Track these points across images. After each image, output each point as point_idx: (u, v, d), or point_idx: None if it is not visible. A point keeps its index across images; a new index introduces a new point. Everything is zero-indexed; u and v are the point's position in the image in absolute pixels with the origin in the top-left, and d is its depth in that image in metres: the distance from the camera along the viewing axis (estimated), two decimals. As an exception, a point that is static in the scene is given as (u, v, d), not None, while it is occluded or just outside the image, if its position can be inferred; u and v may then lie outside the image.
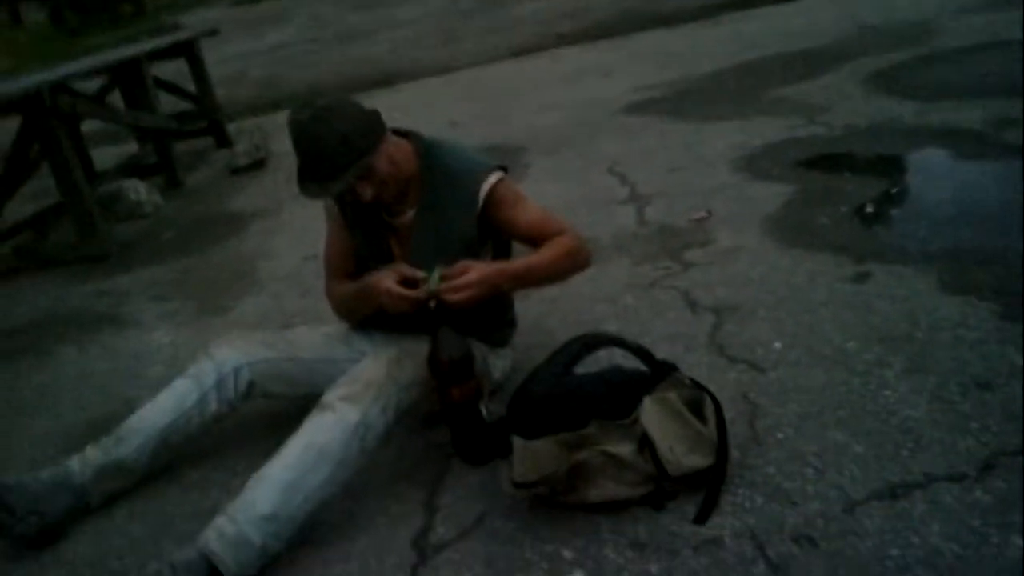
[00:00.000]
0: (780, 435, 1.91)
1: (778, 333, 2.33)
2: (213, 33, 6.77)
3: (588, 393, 1.72)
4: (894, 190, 3.22)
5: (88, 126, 5.91)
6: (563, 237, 2.07)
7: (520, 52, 8.60)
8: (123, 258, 4.28)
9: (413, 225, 2.13)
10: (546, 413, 1.67)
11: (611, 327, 2.57)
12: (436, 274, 1.90)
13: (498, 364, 2.27)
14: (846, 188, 3.31)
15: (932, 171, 3.45)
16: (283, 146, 6.15)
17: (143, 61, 5.53)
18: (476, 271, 1.91)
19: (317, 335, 2.34)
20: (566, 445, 1.66)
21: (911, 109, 4.12)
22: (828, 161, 3.66)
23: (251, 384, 2.22)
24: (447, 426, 2.04)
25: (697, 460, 1.69)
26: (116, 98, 5.96)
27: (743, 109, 4.73)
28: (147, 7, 17.67)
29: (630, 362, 1.94)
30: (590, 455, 1.67)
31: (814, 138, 4.01)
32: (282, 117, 6.84)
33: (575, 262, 2.10)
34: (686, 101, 5.23)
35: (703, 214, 3.30)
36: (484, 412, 1.97)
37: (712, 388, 1.91)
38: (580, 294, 2.83)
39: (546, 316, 2.72)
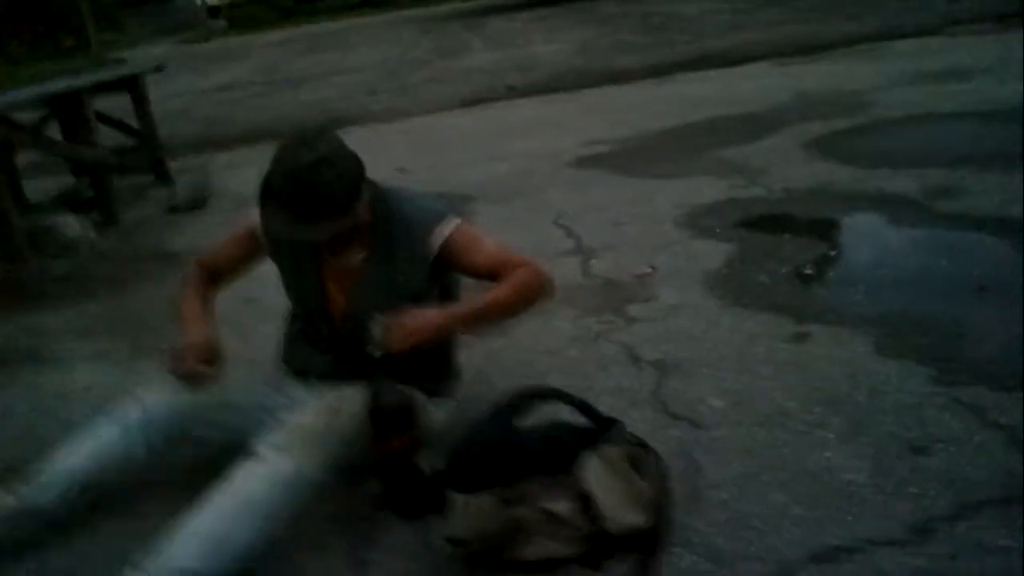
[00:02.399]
0: (722, 495, 1.90)
1: (720, 391, 2.34)
2: (159, 69, 6.68)
3: (528, 447, 1.69)
4: (832, 252, 3.30)
5: (24, 157, 5.76)
6: (521, 270, 2.03)
7: (471, 102, 8.69)
8: (52, 295, 4.13)
9: (360, 271, 2.09)
10: (484, 467, 1.63)
11: (555, 380, 2.53)
12: (378, 326, 1.86)
13: (437, 415, 2.22)
14: (785, 249, 3.38)
15: (868, 236, 3.55)
16: (225, 186, 6.11)
17: (84, 93, 5.41)
18: (422, 317, 1.90)
19: (252, 380, 2.27)
20: (504, 501, 1.62)
21: (848, 175, 4.24)
22: (768, 221, 3.74)
23: (179, 429, 2.13)
24: (379, 478, 1.98)
25: (636, 518, 1.66)
26: (55, 130, 5.81)
27: (688, 168, 4.83)
28: (92, 41, 17.44)
29: (575, 417, 1.91)
30: (527, 512, 1.63)
31: (754, 199, 4.10)
32: (226, 157, 6.76)
33: (534, 293, 2.05)
34: (634, 158, 5.32)
35: (647, 270, 3.32)
36: (421, 465, 1.92)
37: (654, 445, 1.90)
38: (523, 345, 2.81)
39: (488, 367, 2.68)
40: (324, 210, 1.87)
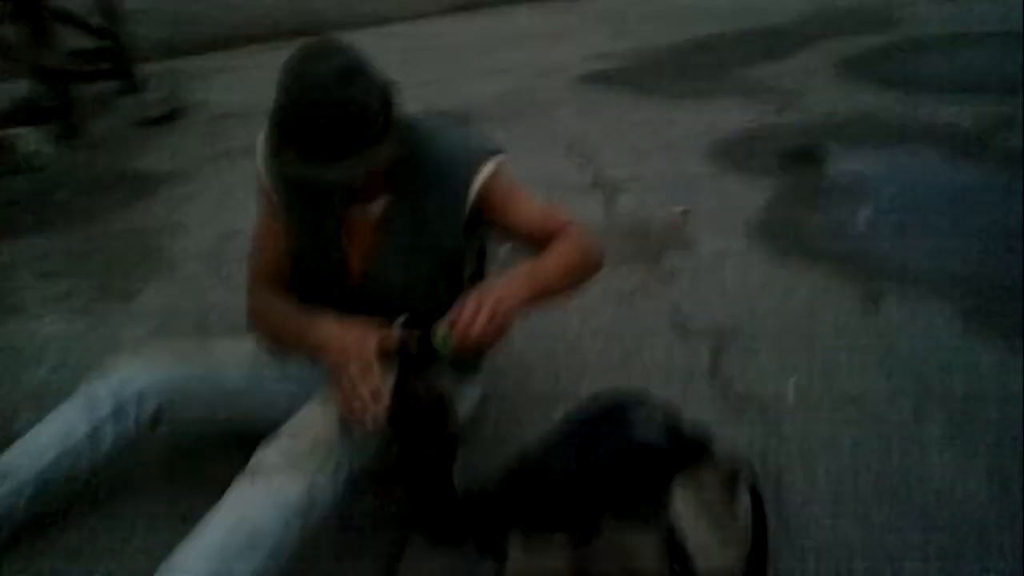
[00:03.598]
0: (813, 510, 1.59)
1: (789, 369, 2.02)
2: (122, -37, 6.04)
3: (605, 475, 1.36)
4: (891, 193, 2.93)
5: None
6: (571, 233, 1.65)
7: (462, 7, 8.09)
8: (8, 221, 3.69)
9: (382, 221, 1.68)
10: (551, 500, 1.30)
11: (592, 349, 2.22)
12: (441, 333, 1.45)
13: (467, 397, 1.88)
14: (835, 188, 3.02)
15: (930, 175, 3.17)
16: (198, 97, 5.60)
17: (41, -11, 4.84)
18: (494, 294, 1.45)
19: (243, 350, 1.87)
20: (573, 539, 1.30)
21: (891, 101, 3.87)
22: (810, 155, 3.36)
23: (158, 411, 1.76)
24: (406, 490, 1.65)
25: (731, 558, 1.35)
26: (11, 29, 5.23)
27: (710, 88, 4.42)
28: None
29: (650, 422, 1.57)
30: (603, 552, 1.31)
31: (791, 127, 3.72)
32: (199, 63, 6.20)
33: (590, 262, 1.68)
34: (647, 75, 4.89)
35: (681, 211, 2.96)
36: (456, 475, 1.58)
37: (721, 439, 1.56)
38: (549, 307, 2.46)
39: (511, 335, 2.33)
40: (358, 136, 1.43)
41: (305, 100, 1.42)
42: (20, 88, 5.42)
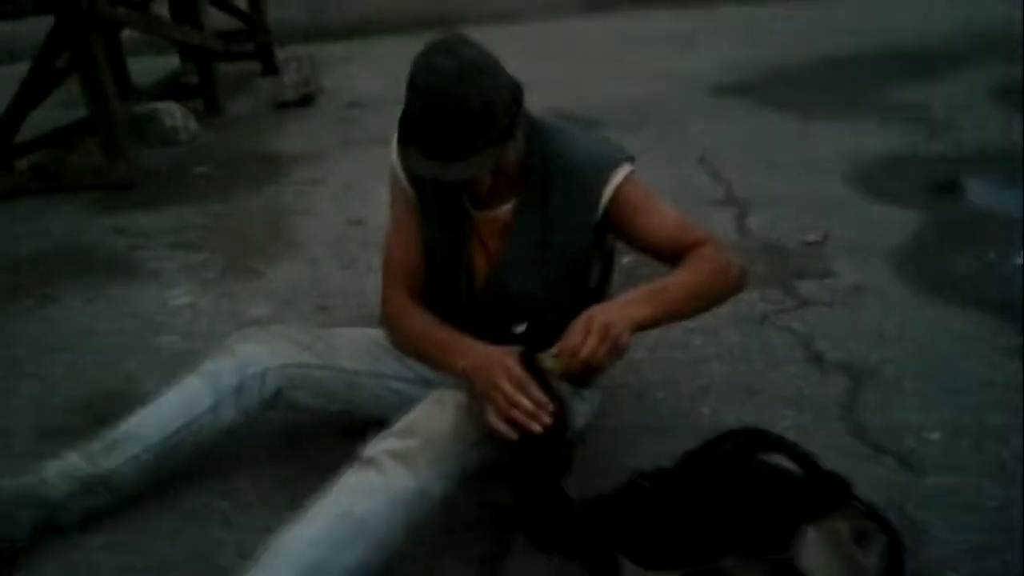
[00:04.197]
0: (950, 574, 1.47)
1: (932, 418, 1.88)
2: (273, -53, 6.24)
3: (732, 515, 1.28)
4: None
5: (131, 32, 5.46)
6: (706, 249, 1.56)
7: (592, 7, 8.02)
8: (149, 191, 3.85)
9: (510, 223, 1.65)
10: (673, 538, 1.24)
11: (716, 371, 2.13)
12: (552, 354, 1.42)
13: (582, 409, 1.83)
14: (989, 227, 2.82)
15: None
16: (333, 83, 5.72)
17: (195, -30, 5.05)
18: (604, 317, 1.39)
19: (363, 340, 1.89)
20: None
21: (1053, 135, 3.59)
22: (960, 189, 3.16)
23: (278, 392, 1.79)
24: (516, 489, 1.61)
25: (862, 615, 1.25)
26: (163, 6, 5.48)
27: (851, 108, 4.22)
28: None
29: (777, 459, 1.49)
30: (724, 596, 1.24)
31: (941, 157, 3.51)
32: (334, 49, 6.37)
33: (727, 282, 1.57)
34: (783, 88, 4.72)
35: (818, 237, 2.82)
36: (567, 488, 1.54)
37: (853, 485, 1.46)
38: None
39: (632, 348, 2.24)
40: (480, 134, 1.40)
41: (427, 96, 1.40)
42: (168, 64, 5.67)
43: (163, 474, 1.77)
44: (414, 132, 1.46)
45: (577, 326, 1.38)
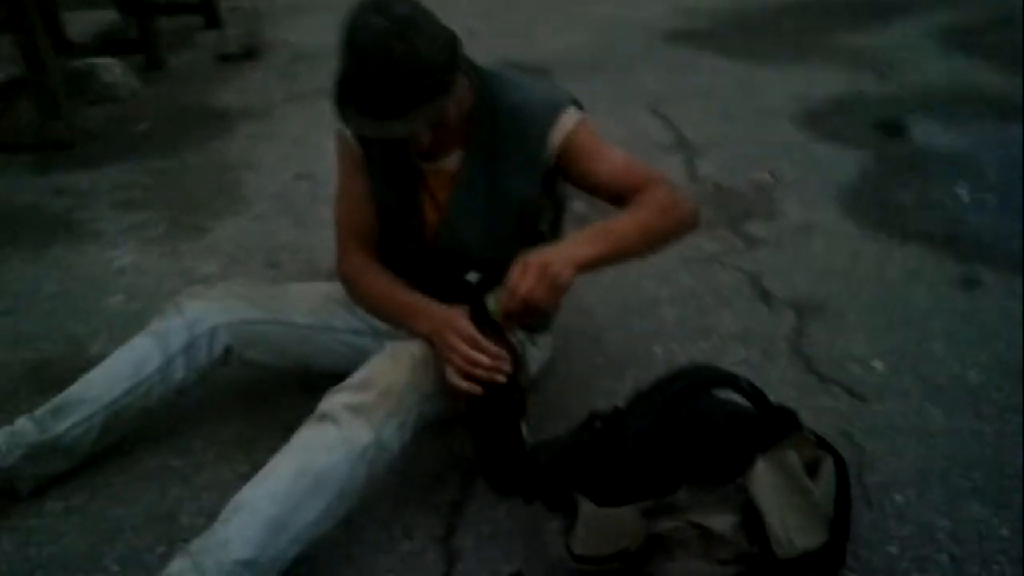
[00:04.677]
0: (899, 497, 1.52)
1: (877, 348, 1.92)
2: None
3: (681, 445, 1.30)
4: (991, 174, 2.77)
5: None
6: (655, 188, 1.54)
7: (542, -43, 7.90)
8: (89, 149, 3.74)
9: (458, 173, 1.63)
10: (627, 476, 1.25)
11: (668, 313, 2.15)
12: (492, 299, 1.42)
13: (536, 355, 1.84)
14: (931, 163, 2.87)
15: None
16: (277, 35, 5.58)
17: (130, -81, 4.85)
18: (551, 263, 1.37)
19: (314, 294, 1.88)
20: (647, 513, 1.25)
21: (997, 79, 3.65)
22: (907, 127, 3.19)
23: (228, 349, 1.77)
24: (473, 437, 1.62)
25: (810, 540, 1.28)
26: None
27: (802, 53, 4.23)
28: None
29: (725, 394, 1.51)
30: (675, 526, 1.26)
31: (887, 97, 3.54)
32: (282, 1, 6.17)
33: (677, 221, 1.54)
34: (735, 35, 4.71)
35: (767, 177, 2.84)
36: (525, 430, 1.55)
37: (801, 415, 1.49)
38: (625, 265, 2.39)
39: (584, 290, 2.27)
40: (416, 91, 1.39)
41: (359, 55, 1.38)
42: (105, 18, 5.47)
43: (116, 436, 1.75)
44: (349, 92, 1.43)
45: (516, 266, 1.37)
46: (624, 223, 1.50)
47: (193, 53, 5.36)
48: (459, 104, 1.53)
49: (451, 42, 1.45)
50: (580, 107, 1.62)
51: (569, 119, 1.59)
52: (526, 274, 1.35)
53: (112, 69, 4.51)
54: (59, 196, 3.26)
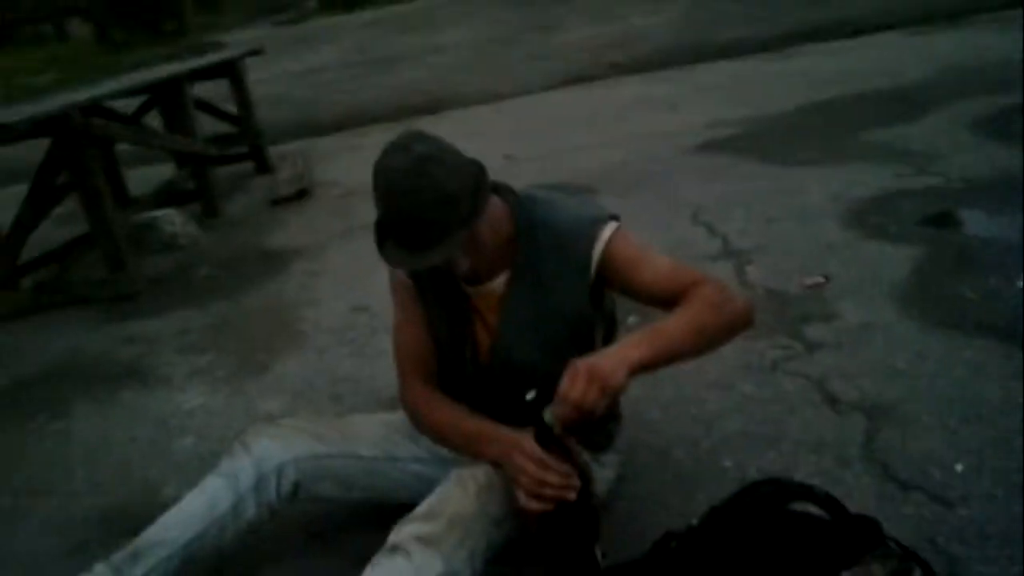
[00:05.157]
0: (997, 608, 1.45)
1: (955, 449, 1.87)
2: (257, 53, 6.44)
3: (761, 564, 1.27)
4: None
5: (124, 145, 5.58)
6: (704, 287, 1.55)
7: (571, 81, 8.22)
8: (153, 298, 3.90)
9: (504, 296, 1.68)
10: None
11: (733, 424, 2.12)
12: (548, 413, 1.43)
13: (603, 475, 1.82)
14: (986, 253, 2.84)
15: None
16: (326, 175, 5.83)
17: (184, 81, 5.19)
18: (602, 368, 1.38)
19: (375, 426, 1.91)
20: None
21: (1035, 161, 3.64)
22: (953, 220, 3.19)
23: (297, 485, 1.80)
24: (546, 563, 1.59)
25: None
26: (154, 117, 5.62)
27: (836, 153, 4.28)
28: (189, 25, 17.57)
29: (801, 505, 1.48)
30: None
31: (930, 190, 3.54)
32: (325, 143, 6.53)
33: (729, 317, 1.53)
34: (768, 141, 4.79)
35: (819, 279, 2.84)
36: (599, 554, 1.52)
37: (883, 524, 1.44)
38: (684, 375, 2.38)
39: (646, 404, 2.27)
40: (433, 225, 1.47)
41: (386, 195, 1.48)
42: (163, 173, 5.79)
43: (189, 578, 1.75)
44: (385, 229, 1.55)
45: (566, 374, 1.39)
46: (675, 322, 1.51)
47: (247, 198, 5.63)
48: (496, 228, 1.60)
49: (474, 170, 1.53)
50: (617, 220, 1.66)
51: (608, 231, 1.63)
52: (576, 380, 1.37)
53: (172, 219, 4.75)
54: (127, 344, 3.38)
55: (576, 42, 10.65)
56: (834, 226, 3.31)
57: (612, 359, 1.41)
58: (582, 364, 1.39)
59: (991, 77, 5.32)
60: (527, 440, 1.48)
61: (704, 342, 1.53)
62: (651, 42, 9.55)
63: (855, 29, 8.03)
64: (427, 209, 1.45)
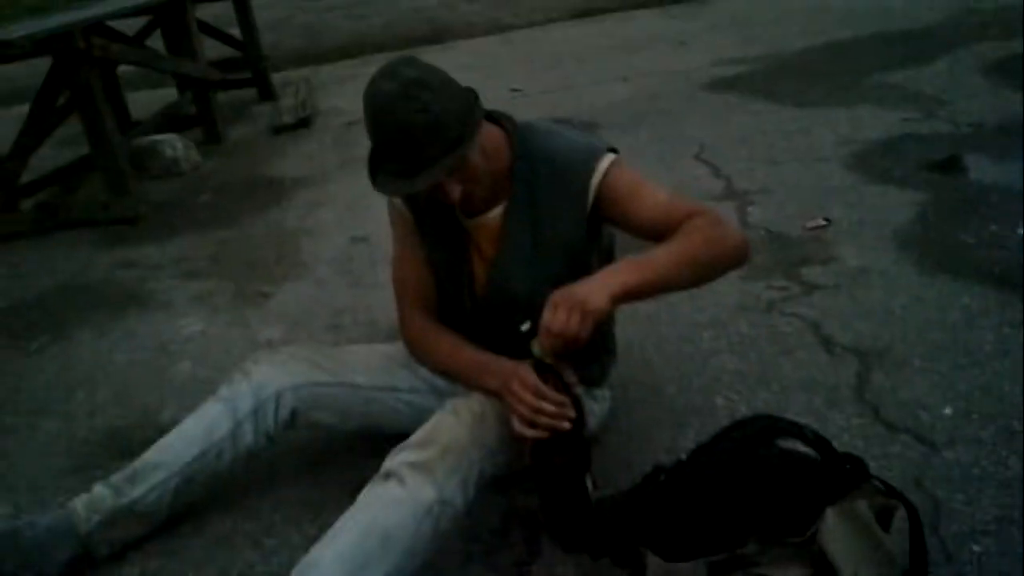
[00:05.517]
0: (976, 548, 1.48)
1: (945, 393, 1.89)
2: (261, -24, 6.29)
3: (748, 498, 1.29)
4: (1052, 209, 2.72)
5: (127, 67, 5.52)
6: (699, 219, 1.53)
7: (582, 13, 8.07)
8: (155, 223, 3.89)
9: (502, 226, 1.67)
10: (695, 528, 1.25)
11: (726, 363, 2.14)
12: (535, 344, 1.45)
13: (595, 409, 1.84)
14: (990, 200, 2.83)
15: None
16: (331, 103, 5.77)
17: (187, 2, 5.10)
18: (587, 293, 1.39)
19: (375, 356, 1.92)
20: (716, 567, 1.24)
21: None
22: (960, 165, 3.16)
23: (294, 412, 1.82)
24: (538, 492, 1.63)
25: (887, 593, 1.26)
26: (157, 39, 5.54)
27: (847, 94, 4.23)
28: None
29: (793, 445, 1.49)
30: (747, 581, 1.25)
31: (937, 135, 3.51)
32: (330, 71, 6.43)
33: (722, 250, 1.51)
34: (778, 80, 4.73)
35: (820, 222, 2.83)
36: (590, 485, 1.55)
37: (870, 464, 1.46)
38: (680, 314, 2.40)
39: (641, 342, 2.29)
40: (422, 150, 1.44)
41: (375, 120, 1.46)
42: (165, 96, 5.72)
43: (189, 501, 1.80)
44: (376, 157, 1.54)
45: (548, 304, 1.40)
46: (663, 252, 1.49)
47: (249, 125, 5.58)
48: (492, 157, 1.59)
49: (464, 95, 1.51)
50: (616, 152, 1.65)
51: (606, 162, 1.61)
52: (557, 309, 1.38)
53: (174, 144, 4.71)
54: (128, 269, 3.39)
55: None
56: (839, 169, 3.29)
57: (593, 285, 1.42)
58: (560, 293, 1.40)
59: (1007, 20, 5.22)
60: (525, 369, 1.49)
61: (694, 274, 1.52)
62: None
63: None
64: (414, 132, 1.42)
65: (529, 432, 1.47)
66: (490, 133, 1.62)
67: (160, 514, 1.76)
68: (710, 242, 1.51)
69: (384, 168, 1.52)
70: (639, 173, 1.65)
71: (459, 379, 1.69)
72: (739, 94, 4.55)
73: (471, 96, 1.54)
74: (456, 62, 6.36)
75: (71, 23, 3.79)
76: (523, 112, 1.71)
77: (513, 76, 5.61)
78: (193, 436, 1.77)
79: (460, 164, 1.49)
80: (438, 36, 8.03)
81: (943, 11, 5.76)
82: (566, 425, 1.46)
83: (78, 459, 2.14)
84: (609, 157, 1.62)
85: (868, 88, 4.29)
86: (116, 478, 1.74)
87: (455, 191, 1.54)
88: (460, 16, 8.88)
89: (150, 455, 1.77)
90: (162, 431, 1.81)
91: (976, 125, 3.55)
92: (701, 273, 1.53)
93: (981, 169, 3.11)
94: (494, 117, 1.68)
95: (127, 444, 2.11)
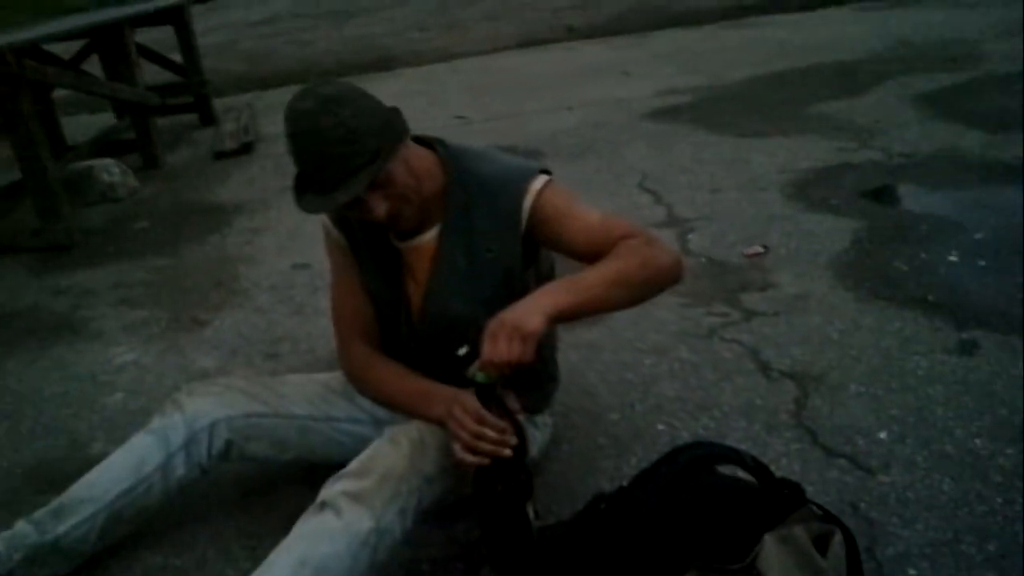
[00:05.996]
0: (912, 571, 1.49)
1: (880, 417, 1.92)
2: (204, 0, 6.23)
3: (687, 525, 1.29)
4: (978, 236, 2.81)
5: (63, 91, 5.39)
6: (633, 240, 1.52)
7: (528, 43, 8.16)
8: (89, 249, 3.79)
9: (436, 249, 1.65)
10: (636, 556, 1.24)
11: (667, 389, 2.15)
12: (475, 370, 1.43)
13: (537, 436, 1.83)
14: (922, 228, 2.91)
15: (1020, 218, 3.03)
16: (273, 129, 5.71)
17: (126, 25, 5.01)
18: (521, 314, 1.39)
19: (313, 385, 1.88)
20: (658, 595, 1.24)
21: (976, 140, 3.73)
22: (893, 194, 3.25)
23: (229, 444, 1.77)
24: (479, 522, 1.60)
25: (825, 619, 1.26)
26: (95, 64, 5.43)
27: (784, 125, 4.32)
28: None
29: (729, 470, 1.50)
30: (688, 609, 1.24)
31: (872, 165, 3.60)
32: (273, 96, 6.38)
33: (655, 270, 1.50)
34: (718, 111, 4.82)
35: (759, 249, 2.88)
36: (532, 514, 1.53)
37: (807, 488, 1.48)
38: (622, 339, 2.41)
39: (583, 368, 2.29)
40: (340, 163, 1.43)
41: (293, 137, 1.46)
42: (101, 121, 5.61)
43: (118, 536, 1.73)
44: (300, 177, 1.52)
45: (487, 334, 1.39)
46: (596, 272, 1.49)
47: (190, 151, 5.49)
48: (422, 178, 1.58)
49: (383, 112, 1.51)
50: (549, 173, 1.65)
51: (539, 183, 1.61)
52: (496, 339, 1.37)
53: (110, 170, 4.61)
54: (60, 296, 3.29)
55: (533, 3, 10.54)
56: (778, 197, 3.35)
57: (527, 307, 1.41)
58: (495, 322, 1.40)
59: (939, 54, 5.42)
60: (467, 396, 1.48)
61: (628, 294, 1.51)
62: (608, 7, 9.51)
63: (809, 2, 8.08)
64: (330, 145, 1.41)
65: (470, 459, 1.45)
66: (420, 155, 1.62)
67: (86, 551, 1.69)
68: (644, 261, 1.50)
69: (303, 185, 1.51)
70: (575, 195, 1.65)
71: (402, 408, 1.67)
72: (681, 124, 4.63)
73: (392, 113, 1.53)
74: (402, 89, 6.37)
75: (3, 45, 3.69)
76: (468, 140, 1.71)
77: (459, 104, 5.63)
78: (122, 469, 1.71)
79: (381, 177, 1.48)
80: (385, 63, 8.04)
81: (874, 45, 5.95)
82: (507, 452, 1.44)
83: (0, 494, 2.05)
84: (542, 178, 1.62)
85: (805, 118, 4.40)
86: (40, 514, 1.67)
87: (379, 207, 1.52)
88: (407, 43, 8.91)
89: (76, 489, 1.70)
90: (91, 464, 1.74)
91: (908, 155, 3.65)
92: (636, 292, 1.53)
93: (913, 198, 3.20)
94: (426, 141, 1.68)
95: (54, 478, 2.03)
